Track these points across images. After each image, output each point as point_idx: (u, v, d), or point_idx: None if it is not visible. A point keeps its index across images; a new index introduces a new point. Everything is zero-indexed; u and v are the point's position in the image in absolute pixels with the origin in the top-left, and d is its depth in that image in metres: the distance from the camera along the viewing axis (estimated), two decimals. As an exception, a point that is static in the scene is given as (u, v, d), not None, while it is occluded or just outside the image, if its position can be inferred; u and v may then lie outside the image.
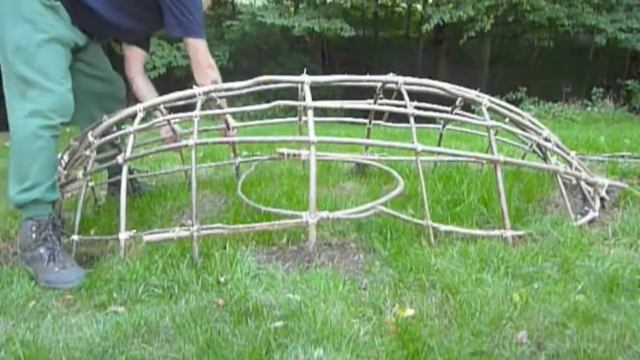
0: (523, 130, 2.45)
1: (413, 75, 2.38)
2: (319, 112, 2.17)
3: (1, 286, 1.85)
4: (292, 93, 2.48)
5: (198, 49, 2.33)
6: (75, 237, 2.08)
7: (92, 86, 2.39)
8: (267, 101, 2.35)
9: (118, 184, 2.62)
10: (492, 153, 2.18)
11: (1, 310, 1.71)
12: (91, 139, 2.20)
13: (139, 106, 2.19)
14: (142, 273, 1.82)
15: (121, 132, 2.22)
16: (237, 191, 2.38)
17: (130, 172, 2.67)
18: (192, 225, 1.90)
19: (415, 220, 2.10)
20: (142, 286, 1.77)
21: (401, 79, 2.28)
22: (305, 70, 2.26)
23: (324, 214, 1.95)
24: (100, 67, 2.44)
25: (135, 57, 2.53)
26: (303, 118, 2.69)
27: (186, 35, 2.31)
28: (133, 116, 2.17)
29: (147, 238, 1.91)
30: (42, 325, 1.60)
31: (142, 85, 2.53)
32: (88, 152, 2.21)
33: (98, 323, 1.58)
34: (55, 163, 2.12)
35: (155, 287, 1.77)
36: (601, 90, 10.62)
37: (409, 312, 1.60)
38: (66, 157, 2.42)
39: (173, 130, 2.57)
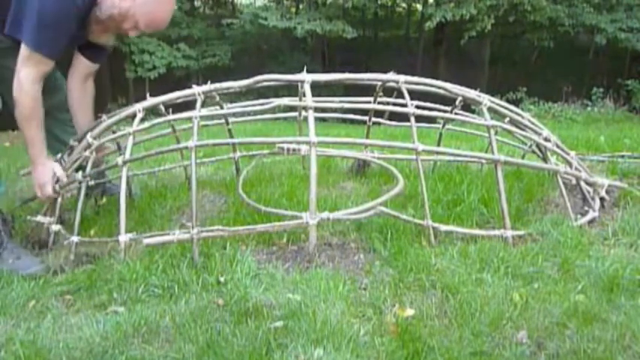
0: (523, 130, 2.45)
1: (413, 75, 2.37)
2: (319, 109, 2.16)
3: (1, 286, 1.85)
4: (292, 92, 2.47)
5: (24, 57, 1.98)
6: (75, 238, 2.08)
7: None
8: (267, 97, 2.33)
9: (99, 187, 2.61)
10: (493, 153, 2.17)
11: (1, 310, 1.70)
12: (90, 139, 2.20)
13: (138, 106, 2.18)
14: (142, 273, 1.82)
15: (120, 133, 2.22)
16: (238, 189, 2.38)
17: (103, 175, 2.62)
18: (193, 227, 1.90)
19: (415, 220, 2.10)
20: (142, 286, 1.77)
21: (402, 77, 2.27)
22: (305, 69, 2.25)
23: (325, 214, 1.95)
24: None
25: (78, 66, 2.34)
26: (303, 114, 2.69)
27: (19, 36, 2.00)
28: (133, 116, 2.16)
29: (147, 240, 1.90)
30: (42, 325, 1.60)
31: (77, 98, 2.35)
32: (87, 153, 2.21)
33: (98, 323, 1.58)
34: None
35: (155, 287, 1.77)
36: (601, 90, 10.65)
37: (409, 312, 1.60)
38: (66, 158, 2.42)
39: (173, 129, 2.55)
